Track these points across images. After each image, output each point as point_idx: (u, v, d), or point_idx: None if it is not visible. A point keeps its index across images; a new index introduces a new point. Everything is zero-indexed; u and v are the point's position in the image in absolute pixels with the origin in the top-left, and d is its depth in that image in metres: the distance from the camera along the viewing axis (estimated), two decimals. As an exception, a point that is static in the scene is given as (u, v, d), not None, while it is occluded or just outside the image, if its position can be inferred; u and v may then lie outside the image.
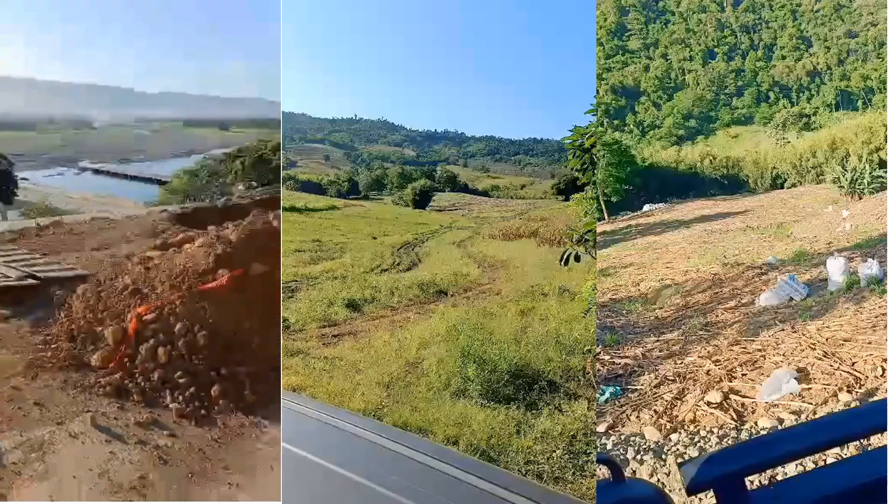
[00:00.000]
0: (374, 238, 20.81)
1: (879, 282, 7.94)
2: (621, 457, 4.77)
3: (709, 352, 7.00)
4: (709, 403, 5.65)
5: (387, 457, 1.92)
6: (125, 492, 3.79)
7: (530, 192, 32.09)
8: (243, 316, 5.28)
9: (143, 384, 4.85)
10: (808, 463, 2.88)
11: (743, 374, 6.20)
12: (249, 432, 4.54)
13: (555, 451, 5.04)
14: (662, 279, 11.82)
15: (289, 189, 30.43)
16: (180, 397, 4.75)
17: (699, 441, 4.86)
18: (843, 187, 19.21)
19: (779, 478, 2.43)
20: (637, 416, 5.63)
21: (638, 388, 6.27)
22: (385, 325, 9.61)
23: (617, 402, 5.98)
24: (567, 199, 25.79)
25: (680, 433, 5.09)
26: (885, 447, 1.10)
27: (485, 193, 32.65)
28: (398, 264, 16.03)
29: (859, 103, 57.43)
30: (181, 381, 4.85)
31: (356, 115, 45.20)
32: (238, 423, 4.62)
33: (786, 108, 60.78)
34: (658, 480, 4.28)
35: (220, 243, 5.66)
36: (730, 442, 4.78)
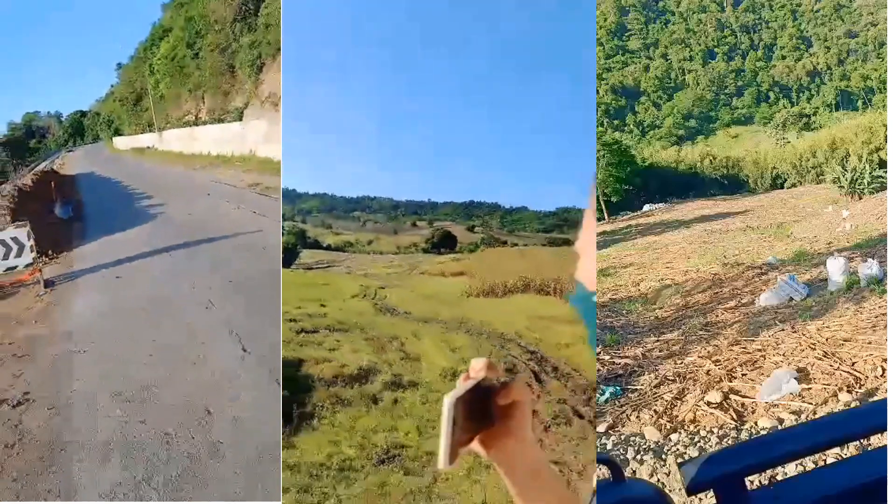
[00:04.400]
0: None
1: (879, 282, 7.93)
2: (621, 457, 4.77)
3: (709, 352, 7.00)
4: (709, 403, 5.65)
5: None
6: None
7: (381, 248, 28.34)
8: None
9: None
10: (808, 463, 2.88)
11: (743, 374, 6.20)
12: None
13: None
14: (662, 279, 11.83)
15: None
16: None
17: (699, 441, 4.85)
18: (843, 187, 19.21)
19: (779, 478, 2.44)
20: (637, 416, 5.63)
21: (638, 388, 6.27)
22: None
23: (617, 402, 5.98)
24: (440, 254, 24.05)
25: (680, 433, 5.09)
26: (885, 447, 1.09)
27: (339, 249, 28.82)
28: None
29: (859, 103, 57.53)
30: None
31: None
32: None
33: (786, 108, 60.88)
34: (658, 480, 4.28)
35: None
36: (730, 442, 4.77)
